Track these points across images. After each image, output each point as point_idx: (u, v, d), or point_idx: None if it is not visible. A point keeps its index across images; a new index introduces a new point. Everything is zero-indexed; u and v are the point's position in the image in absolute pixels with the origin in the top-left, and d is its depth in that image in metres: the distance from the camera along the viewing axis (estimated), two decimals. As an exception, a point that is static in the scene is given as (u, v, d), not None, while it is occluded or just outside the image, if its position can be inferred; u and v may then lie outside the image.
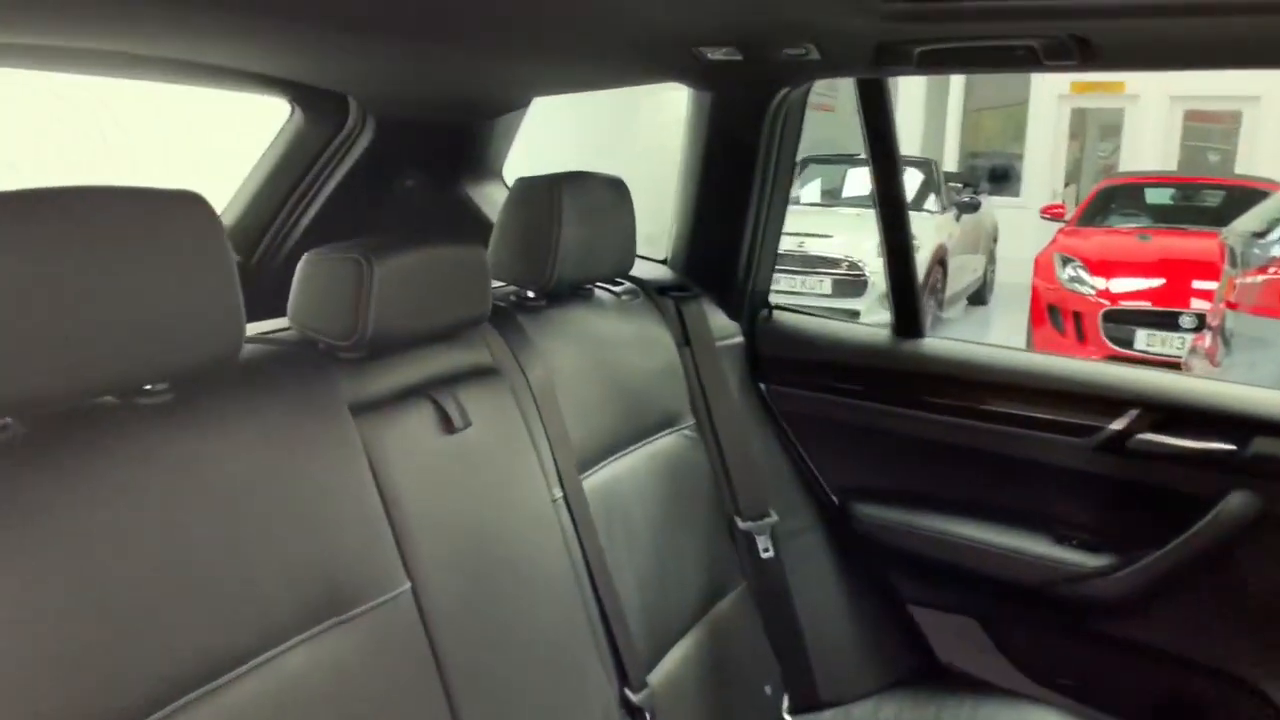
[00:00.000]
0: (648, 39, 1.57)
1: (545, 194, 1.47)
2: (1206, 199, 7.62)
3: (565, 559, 1.35)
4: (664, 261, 2.04)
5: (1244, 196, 6.69)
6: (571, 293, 1.62)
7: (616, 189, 1.61)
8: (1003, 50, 1.41)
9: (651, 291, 1.82)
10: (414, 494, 1.14)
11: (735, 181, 1.92)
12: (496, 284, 1.56)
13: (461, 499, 1.21)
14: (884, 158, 1.86)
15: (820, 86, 1.98)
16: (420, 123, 1.91)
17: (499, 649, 1.20)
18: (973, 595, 1.86)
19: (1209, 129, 11.75)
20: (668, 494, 1.64)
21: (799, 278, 7.12)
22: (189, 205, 0.90)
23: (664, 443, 1.68)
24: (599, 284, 1.71)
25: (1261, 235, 4.18)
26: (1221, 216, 6.42)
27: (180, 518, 0.89)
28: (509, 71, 1.78)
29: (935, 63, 1.49)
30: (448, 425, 1.22)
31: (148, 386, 0.92)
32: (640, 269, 1.85)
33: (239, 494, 0.95)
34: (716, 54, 1.59)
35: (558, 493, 1.38)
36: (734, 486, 1.81)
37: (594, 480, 1.48)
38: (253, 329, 1.22)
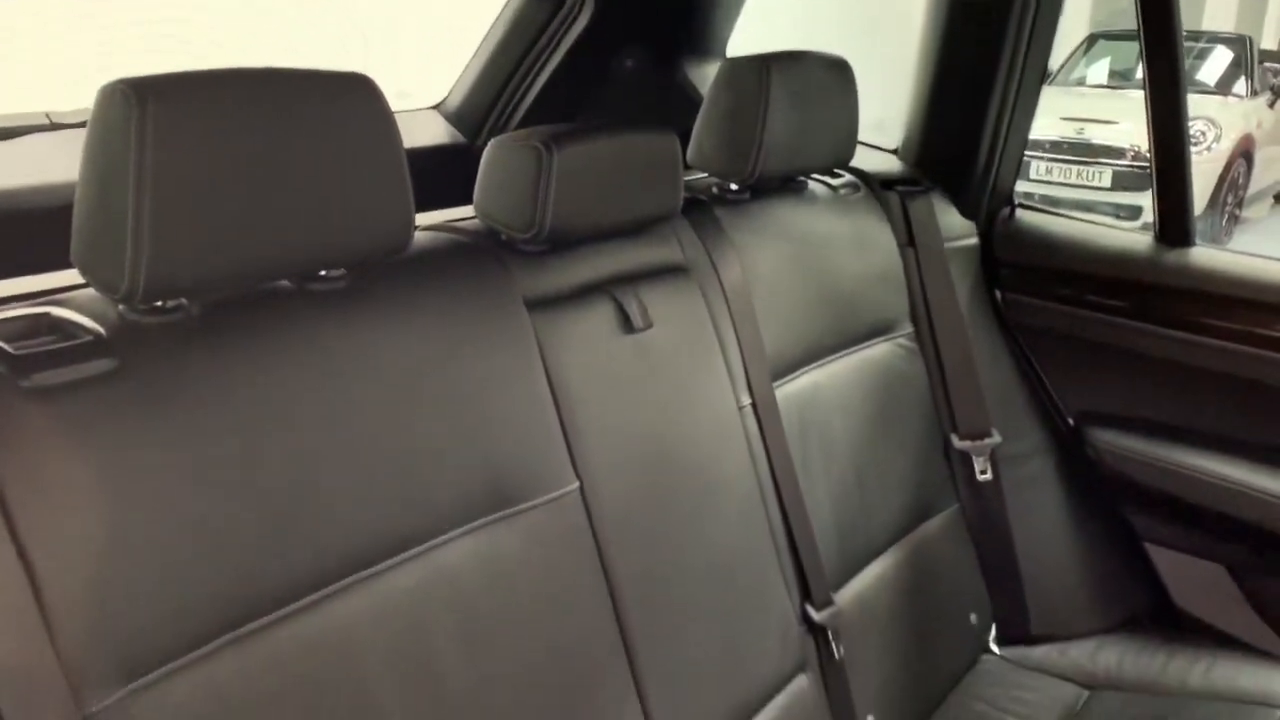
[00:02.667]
0: None
1: (752, 76, 1.36)
2: None
3: (749, 469, 1.29)
4: (894, 152, 1.87)
5: None
6: (780, 185, 1.51)
7: (838, 70, 1.47)
8: None
9: (875, 185, 1.67)
10: (587, 393, 1.11)
11: (980, 58, 1.71)
12: (697, 175, 1.49)
13: (638, 402, 1.17)
14: (1159, 23, 1.58)
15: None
16: None
17: (669, 556, 1.17)
18: (1224, 541, 1.64)
19: None
20: (875, 406, 1.53)
21: (1074, 168, 6.52)
22: (359, 88, 0.87)
23: (875, 351, 1.57)
24: (813, 176, 1.58)
25: None
26: None
27: (348, 403, 0.90)
28: None
29: None
30: (627, 325, 1.17)
31: (323, 272, 0.92)
32: (865, 159, 1.71)
33: (408, 382, 0.95)
34: None
35: (746, 399, 1.32)
36: (953, 402, 1.67)
37: (790, 388, 1.40)
38: (440, 217, 1.21)
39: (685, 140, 1.39)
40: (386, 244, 0.91)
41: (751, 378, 1.33)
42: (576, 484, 1.08)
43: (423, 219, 1.12)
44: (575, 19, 1.80)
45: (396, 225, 0.90)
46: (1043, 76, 1.78)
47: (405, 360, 0.96)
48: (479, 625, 0.96)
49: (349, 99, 0.86)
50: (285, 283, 0.92)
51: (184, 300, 0.84)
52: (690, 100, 1.94)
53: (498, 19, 1.90)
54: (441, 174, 1.24)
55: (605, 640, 1.08)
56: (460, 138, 1.95)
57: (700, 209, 1.38)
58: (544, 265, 1.14)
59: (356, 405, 0.91)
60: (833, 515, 1.42)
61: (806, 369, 1.44)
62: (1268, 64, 7.74)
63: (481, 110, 1.94)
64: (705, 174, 1.47)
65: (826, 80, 1.46)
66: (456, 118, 1.97)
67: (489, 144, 1.14)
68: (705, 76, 1.97)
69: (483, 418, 1.01)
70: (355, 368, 0.92)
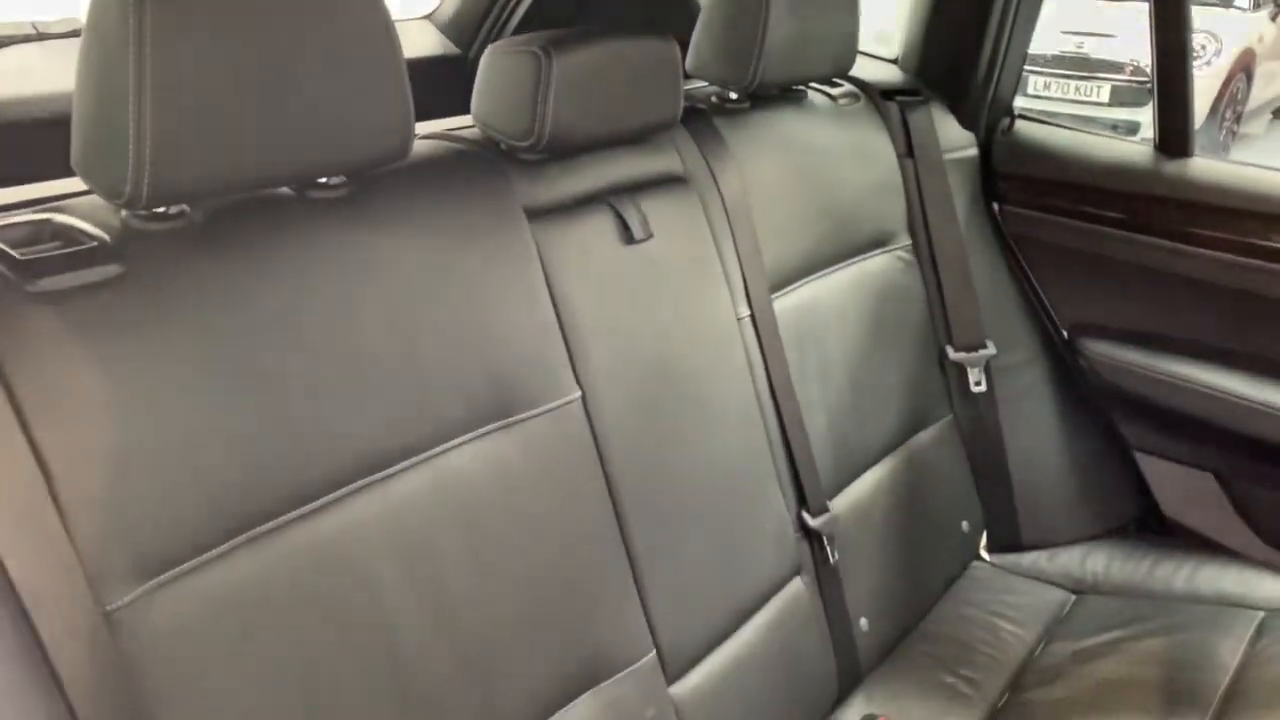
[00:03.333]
0: None
1: None
2: None
3: (747, 379, 1.31)
4: (894, 62, 1.85)
5: None
6: (780, 95, 1.50)
7: None
8: None
9: (875, 95, 1.66)
10: (588, 303, 1.12)
11: None
12: (697, 84, 1.47)
13: (638, 312, 1.18)
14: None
15: None
16: None
17: (669, 463, 1.19)
18: (1212, 448, 1.67)
19: None
20: (871, 318, 1.54)
21: (1073, 83, 6.43)
22: None
23: (873, 263, 1.57)
24: (813, 85, 1.57)
25: None
26: None
27: (350, 310, 0.91)
28: None
29: None
30: (627, 235, 1.17)
31: (323, 180, 0.92)
32: (865, 69, 1.69)
33: (409, 290, 0.95)
34: None
35: (744, 311, 1.32)
36: (949, 314, 1.68)
37: (788, 300, 1.41)
38: (439, 125, 1.20)
39: (685, 48, 1.37)
40: (386, 152, 0.90)
41: (750, 290, 1.33)
42: (578, 393, 1.09)
43: (421, 129, 1.11)
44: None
45: (396, 133, 0.90)
46: (1044, -12, 1.75)
47: (407, 268, 0.96)
48: (484, 530, 0.98)
49: (349, 3, 0.84)
50: (287, 190, 0.91)
51: (186, 207, 0.84)
52: (690, 7, 1.90)
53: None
54: (436, 85, 1.22)
55: (607, 544, 1.11)
56: (453, 48, 1.92)
57: (700, 118, 1.36)
58: (543, 174, 1.13)
59: (360, 312, 0.91)
60: (828, 425, 1.44)
61: (804, 281, 1.44)
62: (1272, -25, 7.59)
63: (475, 20, 1.91)
64: (705, 82, 1.45)
65: None
66: (449, 27, 1.93)
67: (486, 50, 1.13)
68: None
69: (485, 326, 1.01)
70: (358, 275, 0.92)
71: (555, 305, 1.09)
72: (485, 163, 1.09)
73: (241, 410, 0.82)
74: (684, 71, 1.28)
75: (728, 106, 1.42)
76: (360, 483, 0.90)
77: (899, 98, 1.67)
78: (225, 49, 0.76)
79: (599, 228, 1.16)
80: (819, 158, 1.49)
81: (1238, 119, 6.90)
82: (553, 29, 1.13)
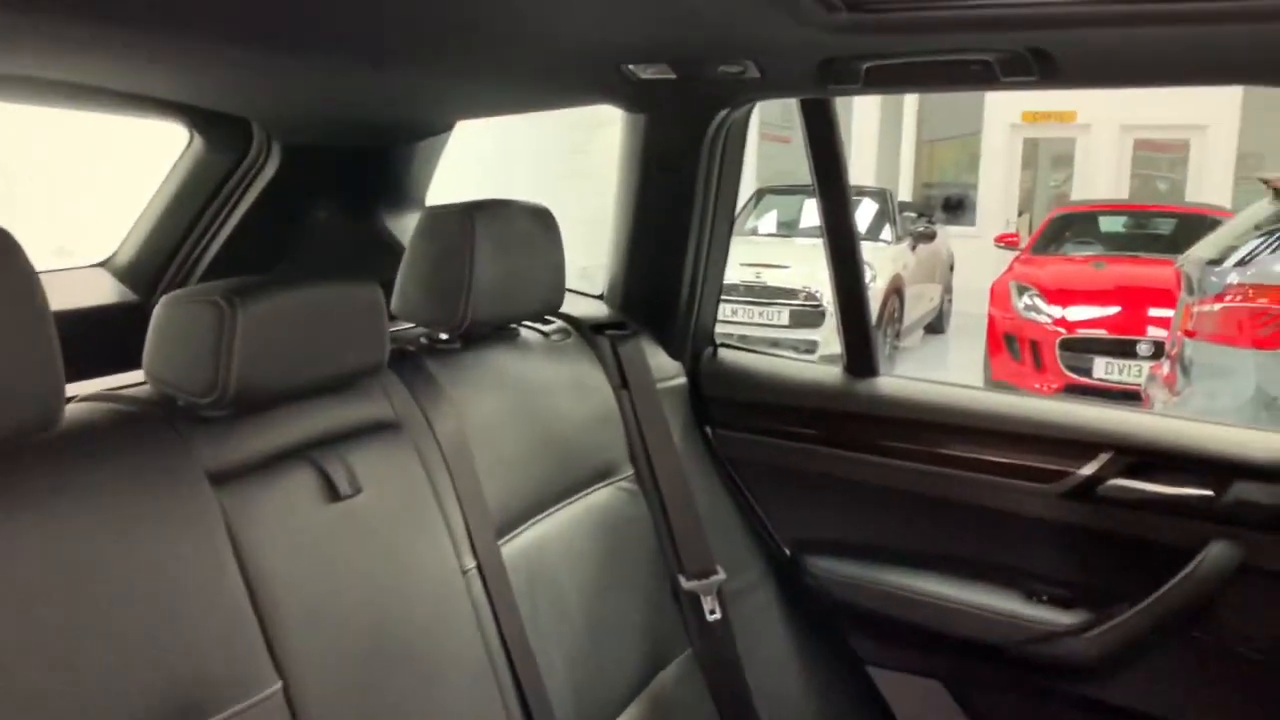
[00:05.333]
0: (573, 57, 1.44)
1: (456, 224, 1.32)
2: (1159, 227, 7.66)
3: (477, 639, 1.19)
4: (600, 297, 1.90)
5: (1196, 224, 6.71)
6: (492, 333, 1.47)
7: (541, 218, 1.47)
8: (957, 65, 1.29)
9: (585, 330, 1.67)
10: (286, 576, 0.98)
11: (674, 210, 1.78)
12: (403, 326, 1.41)
13: (347, 578, 1.05)
14: (832, 185, 1.73)
15: (775, 119, 1.86)
16: (332, 149, 1.75)
17: None
18: (937, 656, 1.72)
19: (1158, 158, 11.88)
20: (603, 554, 1.49)
21: (757, 309, 7.04)
22: None
23: (598, 497, 1.53)
24: (524, 323, 1.56)
25: (1217, 263, 4.13)
26: (1174, 244, 6.43)
27: (13, 604, 0.73)
28: (427, 94, 1.64)
29: (884, 81, 1.37)
30: (332, 492, 1.06)
31: None
32: (573, 305, 1.71)
33: (66, 590, 0.79)
34: (647, 72, 1.46)
35: (469, 563, 1.23)
36: (677, 542, 1.66)
37: (516, 545, 1.33)
38: (103, 384, 1.06)
39: (388, 291, 1.32)
40: (29, 422, 0.76)
41: (475, 538, 1.24)
42: (278, 684, 0.94)
43: (80, 388, 0.97)
44: (261, 169, 1.71)
45: (41, 399, 0.76)
46: (731, 225, 1.89)
47: (58, 559, 0.79)
48: None
49: None
50: None
51: None
52: (392, 250, 1.87)
53: (174, 168, 1.76)
54: (109, 336, 1.09)
55: None
56: (131, 295, 1.76)
57: (409, 361, 1.30)
58: (231, 432, 1.01)
59: (18, 606, 0.74)
60: (569, 677, 1.34)
61: (531, 522, 1.37)
62: (905, 213, 8.87)
63: (157, 265, 1.77)
64: (412, 325, 1.40)
65: (531, 228, 1.45)
66: (127, 274, 1.78)
67: (161, 300, 1.02)
68: (405, 227, 1.92)
69: (164, 618, 0.85)
70: (11, 565, 0.75)
71: (248, 582, 0.95)
72: (157, 424, 0.95)
73: None
74: (390, 314, 1.23)
75: (439, 348, 1.38)
76: None
77: (609, 331, 1.70)
78: None
79: (299, 486, 1.04)
80: (537, 394, 1.47)
81: (898, 335, 7.81)
82: (245, 275, 1.05)
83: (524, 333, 1.55)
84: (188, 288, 1.04)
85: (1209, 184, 10.81)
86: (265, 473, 1.01)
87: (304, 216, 1.82)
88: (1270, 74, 1.32)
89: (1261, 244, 3.95)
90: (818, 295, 6.86)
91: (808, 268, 6.96)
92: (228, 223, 1.75)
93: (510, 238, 1.39)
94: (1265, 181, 4.25)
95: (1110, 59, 1.27)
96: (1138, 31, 1.14)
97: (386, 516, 1.12)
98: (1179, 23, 1.10)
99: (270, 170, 1.69)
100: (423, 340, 1.39)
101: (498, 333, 1.49)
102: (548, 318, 1.62)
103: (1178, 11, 1.08)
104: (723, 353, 1.90)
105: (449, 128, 1.85)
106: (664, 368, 1.78)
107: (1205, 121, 10.88)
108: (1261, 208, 4.31)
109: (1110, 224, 7.88)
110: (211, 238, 1.76)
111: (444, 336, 1.39)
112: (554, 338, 1.60)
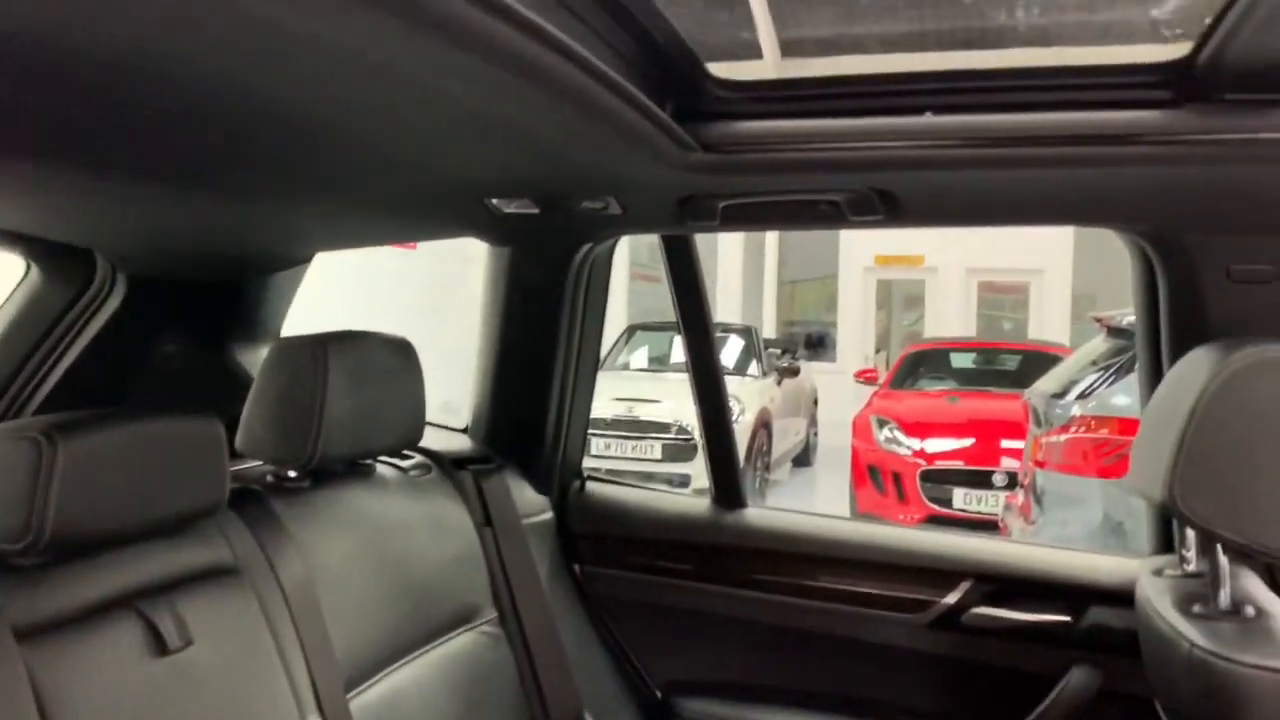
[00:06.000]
0: (437, 191, 1.44)
1: (307, 356, 1.27)
2: (1006, 363, 8.08)
3: None
4: (463, 430, 1.85)
5: (1039, 360, 7.11)
6: (345, 470, 1.40)
7: (400, 350, 1.44)
8: (808, 205, 1.34)
9: (446, 464, 1.62)
10: None
11: (539, 342, 1.77)
12: (249, 464, 1.34)
13: None
14: (695, 320, 1.76)
15: (645, 259, 1.90)
16: (181, 281, 1.69)
17: None
18: None
19: (1002, 299, 12.67)
20: (463, 706, 1.40)
21: (630, 443, 7.04)
22: None
23: (459, 643, 1.45)
24: (381, 459, 1.50)
25: (1060, 396, 4.36)
26: (1020, 378, 6.79)
27: None
28: (284, 227, 1.60)
29: (740, 219, 1.41)
30: (159, 645, 0.97)
31: None
32: (434, 439, 1.66)
33: None
34: (511, 207, 1.47)
35: (313, 718, 1.13)
36: (543, 688, 1.58)
37: (368, 697, 1.24)
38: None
39: (235, 427, 1.26)
40: None
41: (320, 691, 1.15)
42: None
43: None
44: (105, 300, 1.62)
45: None
46: (597, 357, 1.89)
47: None
48: None
49: None
50: None
51: None
52: (243, 384, 1.80)
53: (9, 299, 1.66)
54: None
55: None
56: None
57: (253, 501, 1.22)
58: (44, 582, 0.92)
59: None
60: None
61: (385, 672, 1.29)
62: (770, 349, 9.13)
63: None
64: (259, 462, 1.32)
65: (389, 360, 1.41)
66: None
67: None
68: (258, 360, 1.85)
69: None
70: None
71: None
72: None
73: None
74: (234, 451, 1.16)
75: (286, 486, 1.30)
76: None
77: (472, 466, 1.65)
78: None
79: (121, 640, 0.95)
80: (392, 534, 1.40)
81: (767, 468, 7.92)
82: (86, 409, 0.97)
83: (380, 468, 1.49)
84: (5, 423, 0.96)
85: (1048, 322, 11.55)
86: (83, 626, 0.92)
87: (150, 349, 1.73)
88: (1091, 215, 1.42)
89: (1099, 378, 4.19)
90: (689, 429, 6.93)
91: (679, 402, 7.03)
92: (66, 356, 1.65)
93: (366, 370, 1.35)
94: (1098, 320, 4.55)
95: (948, 199, 1.34)
96: (972, 174, 1.21)
97: (221, 670, 1.03)
98: (1009, 167, 1.18)
99: (114, 302, 1.61)
100: (269, 478, 1.31)
101: (351, 469, 1.42)
102: (406, 452, 1.56)
103: (1008, 157, 1.15)
104: (590, 486, 1.87)
105: (307, 259, 1.81)
106: (530, 503, 1.74)
107: (1041, 266, 11.70)
108: (1097, 344, 4.60)
109: (961, 360, 8.28)
110: (48, 372, 1.65)
111: (292, 474, 1.32)
112: (413, 473, 1.54)
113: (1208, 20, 1.01)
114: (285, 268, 1.79)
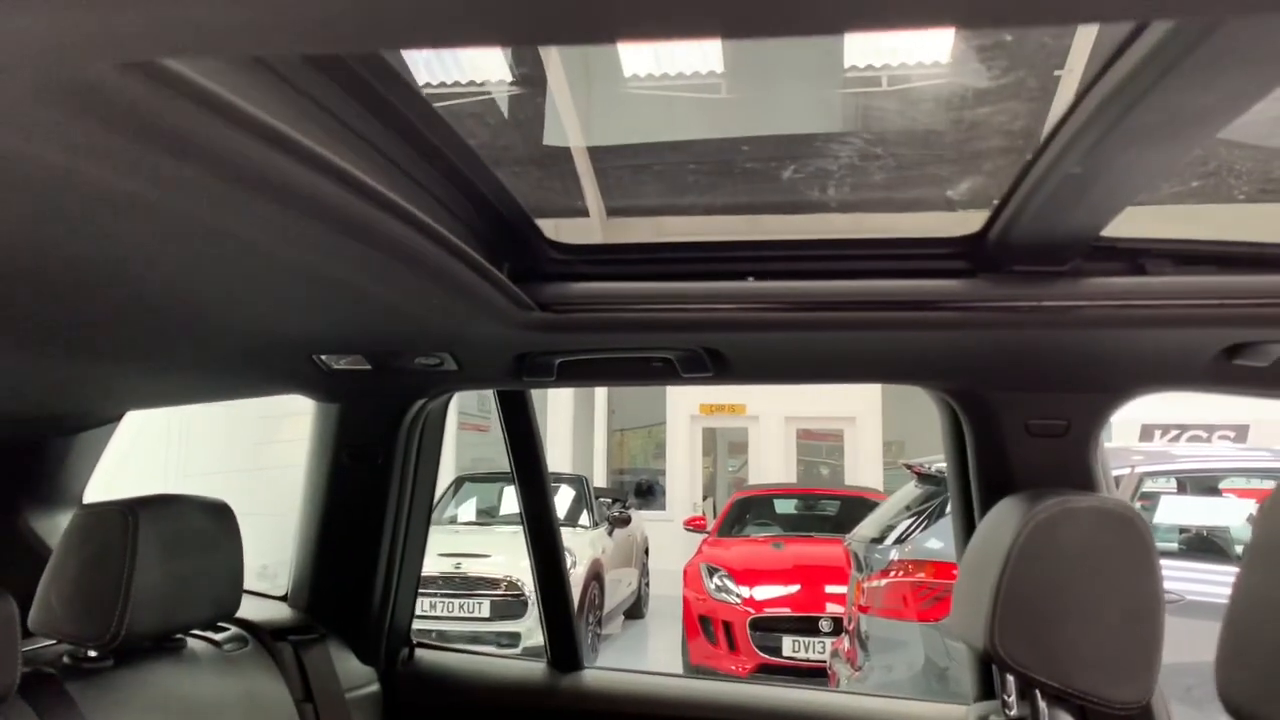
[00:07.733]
0: (262, 347, 1.39)
1: (115, 523, 1.19)
2: (826, 508, 8.35)
3: None
4: (283, 598, 1.75)
5: (857, 505, 7.39)
6: (152, 647, 1.29)
7: (218, 514, 1.36)
8: (642, 362, 1.38)
9: (264, 636, 1.52)
10: None
11: (367, 502, 1.72)
12: (44, 644, 1.22)
13: None
14: (531, 474, 1.76)
15: (473, 408, 1.89)
16: None
17: None
18: None
19: (819, 445, 13.20)
20: None
21: (457, 601, 6.78)
22: None
23: None
24: (193, 633, 1.39)
25: (879, 541, 4.52)
26: (840, 524, 7.03)
27: None
28: (91, 384, 1.51)
29: (576, 375, 1.43)
30: None
31: None
32: (251, 609, 1.56)
33: None
34: (341, 364, 1.44)
35: None
36: None
37: None
38: None
39: (27, 603, 1.14)
40: None
41: None
42: None
43: None
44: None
45: None
46: (429, 517, 1.84)
47: None
48: None
49: None
50: None
51: None
52: (38, 555, 1.65)
53: None
54: None
55: None
56: None
57: (45, 685, 1.11)
58: None
59: None
60: None
61: None
62: (601, 499, 9.12)
63: None
64: (55, 641, 1.20)
65: (206, 525, 1.33)
66: None
67: None
68: (56, 527, 1.71)
69: None
70: None
71: None
72: None
73: None
74: (26, 630, 1.05)
75: (85, 667, 1.19)
76: None
77: (291, 637, 1.56)
78: None
79: None
80: (203, 716, 1.29)
81: (599, 622, 7.77)
82: None
83: (192, 643, 1.38)
84: None
85: (862, 468, 12.09)
86: None
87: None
88: (901, 374, 1.52)
89: (913, 523, 4.39)
90: (520, 584, 6.75)
91: (509, 556, 6.87)
92: None
93: (179, 537, 1.26)
94: (909, 467, 4.79)
95: (774, 359, 1.41)
96: (793, 336, 1.28)
97: None
98: (826, 329, 1.26)
99: None
100: (65, 660, 1.19)
101: (159, 645, 1.32)
102: (221, 625, 1.46)
103: (824, 320, 1.23)
104: (420, 654, 1.79)
105: (117, 418, 1.71)
106: (354, 675, 1.64)
107: (854, 414, 12.31)
108: (909, 490, 4.83)
109: (784, 506, 8.50)
110: None
111: (93, 654, 1.20)
112: (227, 648, 1.44)
113: (995, 201, 1.13)
114: (92, 427, 1.68)
